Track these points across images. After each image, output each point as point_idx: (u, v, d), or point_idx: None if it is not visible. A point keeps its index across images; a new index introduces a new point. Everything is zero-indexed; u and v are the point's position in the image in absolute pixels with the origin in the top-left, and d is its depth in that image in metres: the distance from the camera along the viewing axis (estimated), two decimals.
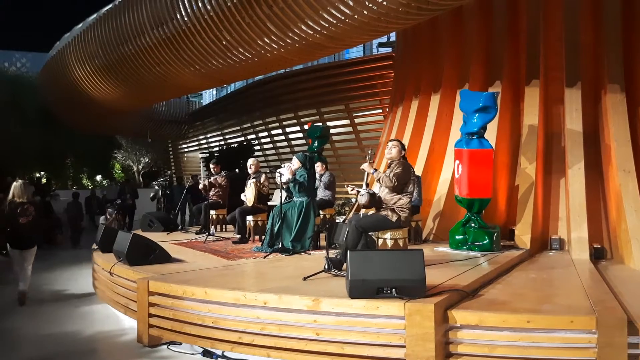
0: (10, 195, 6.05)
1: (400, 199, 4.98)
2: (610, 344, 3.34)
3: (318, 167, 7.83)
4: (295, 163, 6.53)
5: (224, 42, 9.38)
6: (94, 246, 7.03)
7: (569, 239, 6.75)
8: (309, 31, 8.19)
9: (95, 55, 12.85)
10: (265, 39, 8.87)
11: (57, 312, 5.68)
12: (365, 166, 5.16)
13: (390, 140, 5.25)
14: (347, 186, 5.35)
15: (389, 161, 5.18)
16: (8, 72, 29.24)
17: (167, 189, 11.12)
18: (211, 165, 8.87)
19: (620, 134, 6.72)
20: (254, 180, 7.42)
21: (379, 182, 5.00)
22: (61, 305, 6.01)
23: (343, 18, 7.52)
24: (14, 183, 6.14)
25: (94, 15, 12.85)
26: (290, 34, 8.46)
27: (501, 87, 7.82)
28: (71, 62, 14.09)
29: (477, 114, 6.49)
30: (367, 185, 5.18)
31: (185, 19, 9.44)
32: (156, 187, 11.18)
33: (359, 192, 5.11)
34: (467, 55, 8.37)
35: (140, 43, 10.98)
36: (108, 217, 10.64)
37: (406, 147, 5.34)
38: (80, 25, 13.81)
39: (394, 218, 4.95)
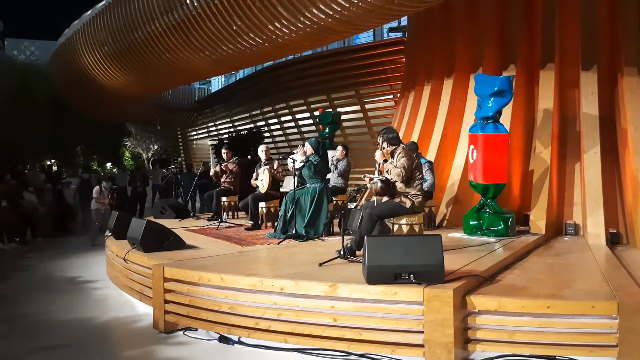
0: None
1: (412, 186, 4.94)
2: (632, 329, 3.30)
3: (338, 151, 7.80)
4: (308, 149, 6.48)
5: (234, 28, 9.30)
6: (107, 233, 7.05)
7: (584, 224, 6.69)
8: (321, 15, 8.08)
9: (105, 42, 12.80)
10: (276, 24, 8.78)
11: (72, 299, 5.69)
12: (377, 156, 5.10)
13: (378, 135, 5.17)
14: (365, 177, 5.29)
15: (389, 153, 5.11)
16: (17, 60, 29.29)
17: (177, 176, 11.11)
18: (223, 151, 8.83)
19: (637, 117, 6.60)
20: (268, 167, 7.38)
21: (387, 173, 4.95)
22: (75, 292, 6.03)
23: (356, 1, 7.40)
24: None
25: (103, 2, 12.78)
26: (301, 18, 8.36)
27: (515, 70, 7.70)
28: (80, 49, 14.05)
29: (493, 98, 6.39)
30: (380, 173, 5.12)
31: (195, 4, 9.36)
32: (165, 172, 11.10)
33: (372, 179, 5.06)
34: (481, 39, 8.23)
35: (150, 29, 10.91)
36: (103, 189, 9.95)
37: (399, 132, 5.21)
38: (89, 12, 13.73)
39: (408, 204, 4.91)
